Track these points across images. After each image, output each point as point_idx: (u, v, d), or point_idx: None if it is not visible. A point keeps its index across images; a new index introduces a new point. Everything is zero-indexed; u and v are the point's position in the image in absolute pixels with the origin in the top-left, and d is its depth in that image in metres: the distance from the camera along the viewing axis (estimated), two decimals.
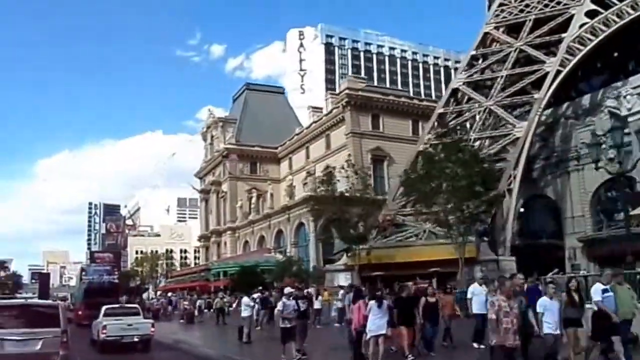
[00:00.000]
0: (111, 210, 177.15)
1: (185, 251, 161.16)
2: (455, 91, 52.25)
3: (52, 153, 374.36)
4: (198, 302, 35.49)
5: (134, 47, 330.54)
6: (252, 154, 76.91)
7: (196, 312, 34.30)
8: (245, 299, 21.31)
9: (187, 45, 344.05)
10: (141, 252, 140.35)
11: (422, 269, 33.02)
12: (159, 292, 75.69)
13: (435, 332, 13.30)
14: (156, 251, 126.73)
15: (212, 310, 38.04)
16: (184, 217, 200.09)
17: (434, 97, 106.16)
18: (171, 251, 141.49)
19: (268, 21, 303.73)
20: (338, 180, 38.54)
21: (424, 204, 31.69)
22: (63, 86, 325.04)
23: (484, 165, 30.03)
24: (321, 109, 77.16)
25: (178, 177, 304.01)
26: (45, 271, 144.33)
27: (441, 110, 50.52)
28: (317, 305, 26.46)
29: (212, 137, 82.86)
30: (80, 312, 35.51)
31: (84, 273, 36.80)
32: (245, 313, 20.32)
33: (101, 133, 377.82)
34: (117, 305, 24.21)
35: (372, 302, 12.78)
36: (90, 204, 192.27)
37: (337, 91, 79.60)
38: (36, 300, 22.79)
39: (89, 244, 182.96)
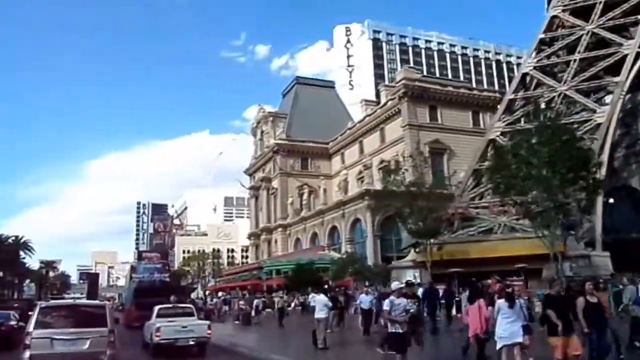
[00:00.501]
0: (159, 210, 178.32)
1: (233, 250, 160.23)
2: (524, 77, 48.53)
3: (100, 155, 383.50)
4: (255, 302, 32.78)
5: (179, 49, 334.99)
6: (303, 150, 74.42)
7: (253, 313, 31.63)
8: (321, 298, 18.28)
9: (232, 46, 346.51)
10: (188, 251, 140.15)
11: (503, 265, 29.59)
12: (207, 292, 74.00)
13: (606, 345, 9.96)
14: (203, 250, 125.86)
15: (268, 310, 35.59)
16: (231, 217, 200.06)
17: None
18: (218, 250, 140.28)
19: (312, 21, 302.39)
20: (406, 170, 35.33)
21: (505, 194, 28.05)
22: (110, 88, 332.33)
23: (580, 147, 26.17)
24: (375, 102, 74.13)
25: (225, 176, 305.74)
26: (93, 271, 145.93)
27: (511, 97, 46.85)
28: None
29: (262, 132, 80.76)
30: (130, 313, 33.58)
31: (133, 272, 34.78)
32: (321, 314, 17.30)
33: (148, 134, 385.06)
34: (170, 306, 22.19)
35: (501, 302, 9.97)
36: (138, 203, 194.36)
37: (389, 84, 76.51)
38: (84, 301, 22.46)
39: (137, 244, 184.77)
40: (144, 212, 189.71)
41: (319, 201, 68.28)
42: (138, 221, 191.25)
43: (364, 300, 21.35)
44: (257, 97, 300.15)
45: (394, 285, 10.90)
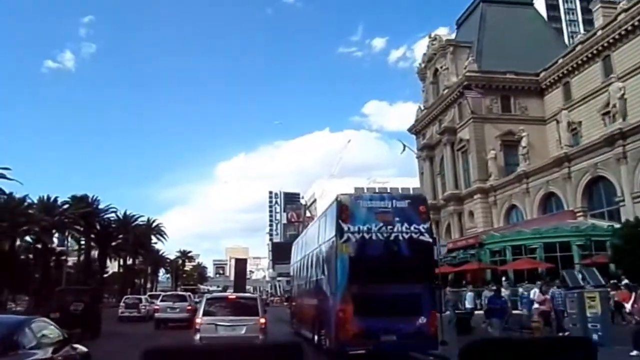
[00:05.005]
0: (291, 199, 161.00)
1: None
2: None
3: (230, 156, 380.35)
4: None
5: (299, 50, 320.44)
6: (503, 85, 50.00)
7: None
8: None
9: (349, 41, 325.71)
10: None
11: None
12: None
13: None
14: None
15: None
16: None
17: None
18: None
19: (431, 9, 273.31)
20: None
21: None
22: (232, 92, 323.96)
23: None
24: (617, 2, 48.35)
25: (349, 170, 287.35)
26: (241, 257, 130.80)
27: None
28: None
29: (435, 72, 57.25)
30: (341, 313, 11.97)
31: (344, 216, 12.44)
32: None
33: (273, 135, 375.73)
34: None
35: None
36: (270, 192, 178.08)
37: None
38: (239, 294, 21.00)
39: (270, 235, 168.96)
40: (276, 202, 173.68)
41: (533, 153, 43.97)
42: (271, 211, 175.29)
43: None
44: (374, 92, 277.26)
45: None
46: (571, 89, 46.35)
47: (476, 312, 21.45)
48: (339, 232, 12.77)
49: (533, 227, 35.97)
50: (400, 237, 12.78)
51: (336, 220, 12.97)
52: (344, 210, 12.97)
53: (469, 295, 22.95)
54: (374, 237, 12.74)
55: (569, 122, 43.76)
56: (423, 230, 12.96)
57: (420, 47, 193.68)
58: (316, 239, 16.07)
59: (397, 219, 12.91)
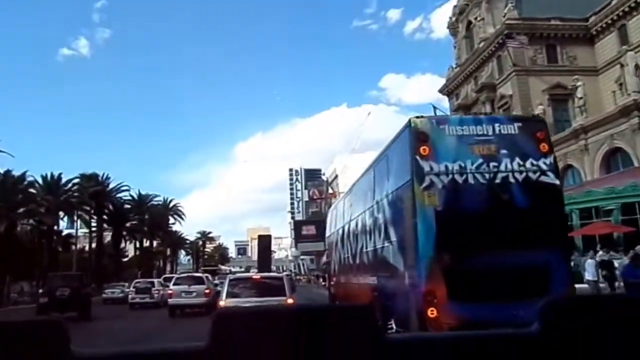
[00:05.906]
0: (312, 176, 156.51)
1: None
2: None
3: (248, 136, 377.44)
4: None
5: (312, 26, 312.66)
6: (547, 32, 44.53)
7: None
8: None
9: (363, 14, 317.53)
10: None
11: None
12: None
13: None
14: None
15: None
16: None
17: None
18: None
19: None
20: None
21: None
22: (250, 75, 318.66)
23: None
24: None
25: (369, 146, 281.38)
26: (264, 234, 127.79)
27: None
28: None
29: (468, 25, 51.81)
30: (429, 297, 7.38)
31: (419, 152, 7.90)
32: None
33: (290, 113, 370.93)
34: None
35: None
36: (290, 170, 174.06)
37: None
38: (264, 274, 17.87)
39: (292, 213, 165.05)
40: (297, 179, 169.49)
41: (589, 107, 38.59)
42: (292, 189, 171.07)
43: None
44: (390, 65, 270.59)
45: None
46: (628, 32, 40.62)
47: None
48: (418, 174, 8.18)
49: (604, 186, 30.99)
50: (512, 179, 8.23)
51: (410, 156, 8.40)
52: (421, 140, 8.31)
53: (589, 263, 17.44)
54: (470, 179, 8.19)
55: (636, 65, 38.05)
56: (545, 167, 8.36)
57: (437, 17, 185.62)
58: (371, 192, 11.51)
59: (503, 151, 8.32)
